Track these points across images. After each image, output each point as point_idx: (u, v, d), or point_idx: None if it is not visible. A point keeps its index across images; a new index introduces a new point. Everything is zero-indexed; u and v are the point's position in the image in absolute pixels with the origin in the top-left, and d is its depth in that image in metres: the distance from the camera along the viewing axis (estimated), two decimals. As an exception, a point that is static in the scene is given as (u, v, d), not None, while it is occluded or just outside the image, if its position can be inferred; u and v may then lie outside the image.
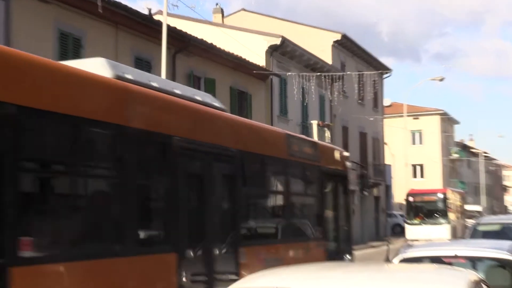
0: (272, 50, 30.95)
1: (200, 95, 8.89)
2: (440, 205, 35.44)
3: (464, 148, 78.67)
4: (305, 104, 33.67)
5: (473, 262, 7.94)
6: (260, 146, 9.74)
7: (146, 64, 21.79)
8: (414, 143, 65.41)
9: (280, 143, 10.43)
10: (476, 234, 12.92)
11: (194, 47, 24.10)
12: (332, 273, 4.70)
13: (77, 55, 18.09)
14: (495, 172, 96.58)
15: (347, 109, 40.11)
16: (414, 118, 63.53)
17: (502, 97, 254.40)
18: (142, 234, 6.98)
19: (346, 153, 13.27)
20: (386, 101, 60.27)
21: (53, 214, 5.89)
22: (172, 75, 22.82)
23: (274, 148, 10.19)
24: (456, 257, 7.30)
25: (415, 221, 34.88)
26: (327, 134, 34.56)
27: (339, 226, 12.41)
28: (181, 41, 23.06)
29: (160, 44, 18.41)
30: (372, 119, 43.53)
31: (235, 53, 27.07)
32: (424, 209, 35.37)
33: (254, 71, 28.21)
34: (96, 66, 6.98)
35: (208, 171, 8.22)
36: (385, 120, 49.50)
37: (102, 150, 6.68)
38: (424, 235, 32.83)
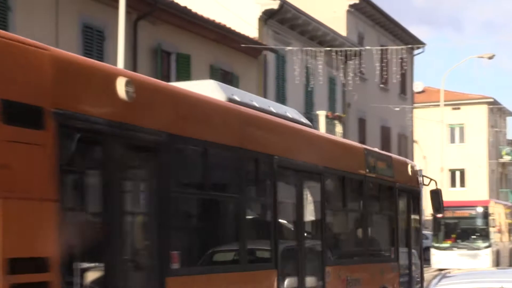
0: (267, 17, 30.90)
1: (290, 112, 11.96)
2: (480, 222, 35.20)
3: (519, 148, 78.95)
4: (309, 89, 33.64)
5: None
6: (341, 163, 12.65)
7: (98, 34, 21.66)
8: (453, 141, 65.58)
9: (358, 159, 13.34)
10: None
11: (162, 12, 23.97)
12: None
13: (4, 23, 17.98)
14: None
15: (365, 96, 40.12)
16: (454, 109, 63.67)
17: None
18: (253, 253, 10.10)
19: (418, 168, 16.31)
20: (418, 86, 60.45)
21: (194, 231, 9.23)
22: (132, 49, 22.71)
23: (354, 165, 13.10)
24: (502, 289, 7.24)
25: (444, 244, 34.86)
26: (339, 128, 34.57)
27: (410, 248, 15.36)
28: (144, 4, 22.90)
29: (116, 8, 18.28)
30: (398, 109, 43.56)
31: (218, 20, 26.99)
32: (457, 228, 35.28)
33: (243, 45, 28.13)
34: (208, 88, 9.77)
35: (300, 191, 11.12)
36: (415, 111, 49.59)
37: (229, 172, 9.75)
38: (456, 263, 32.59)
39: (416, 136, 50.80)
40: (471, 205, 36.36)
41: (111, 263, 7.17)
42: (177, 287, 8.04)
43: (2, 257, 5.84)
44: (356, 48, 35.26)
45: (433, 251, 35.11)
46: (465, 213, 35.50)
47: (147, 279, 7.82)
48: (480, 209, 35.14)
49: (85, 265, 7.05)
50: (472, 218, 35.26)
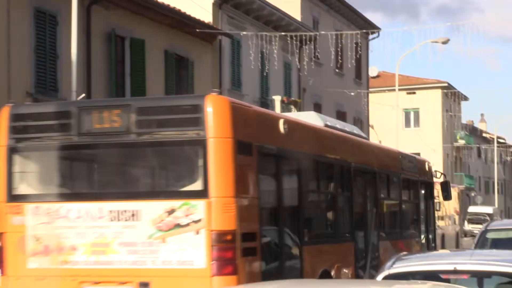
0: (222, 2, 30.88)
1: (355, 129, 17.38)
2: None
3: (473, 132, 79.91)
4: (265, 74, 33.71)
5: (478, 278, 8.06)
6: (387, 165, 17.40)
7: (50, 19, 21.52)
8: (408, 125, 66.20)
9: (397, 161, 18.20)
10: (484, 243, 13.10)
11: (116, -3, 23.89)
12: None
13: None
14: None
15: (320, 81, 40.31)
16: (409, 93, 64.24)
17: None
18: (340, 230, 14.50)
19: (431, 164, 21.28)
20: (373, 71, 60.81)
21: (320, 217, 14.12)
22: (86, 34, 22.61)
23: (394, 165, 17.85)
24: (456, 271, 7.39)
25: None
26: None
27: (428, 226, 20.32)
28: (98, -11, 22.86)
29: (69, -8, 18.16)
30: (353, 94, 43.79)
31: (172, 5, 26.93)
32: None
33: (198, 30, 28.10)
34: (312, 117, 14.74)
35: (364, 186, 15.84)
36: (370, 96, 49.93)
37: (340, 178, 14.62)
38: None
39: (371, 121, 51.13)
40: None
41: (281, 236, 11.79)
42: (306, 252, 12.36)
43: (239, 232, 10.22)
44: (311, 33, 35.36)
45: None
46: None
47: (293, 247, 12.30)
48: None
49: (270, 237, 11.60)
50: None
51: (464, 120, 76.76)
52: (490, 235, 13.43)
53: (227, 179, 10.31)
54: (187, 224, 10.30)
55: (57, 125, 11.00)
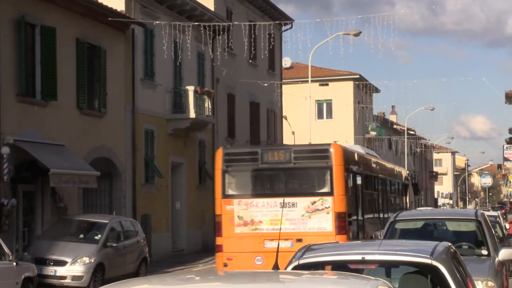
0: (135, -9, 30.63)
1: (374, 153, 31.33)
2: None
3: (385, 124, 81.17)
4: (178, 64, 33.63)
5: (386, 268, 8.25)
6: (390, 174, 29.43)
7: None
8: (321, 116, 66.84)
9: (393, 172, 30.84)
10: (393, 233, 13.39)
11: (27, -16, 23.53)
12: (202, 286, 4.84)
13: None
14: (423, 155, 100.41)
15: (234, 71, 40.41)
16: (322, 85, 64.83)
17: (433, 59, 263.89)
18: (376, 213, 26.11)
19: (408, 172, 37.52)
20: (286, 62, 61.17)
21: (371, 205, 25.51)
22: (-5, 21, 22.17)
23: (392, 175, 30.12)
24: (364, 261, 7.55)
25: None
26: (208, 103, 34.73)
27: (406, 206, 32.24)
28: (7, -25, 22.45)
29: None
30: (266, 84, 44.05)
31: (84, -7, 26.65)
32: None
33: (110, 19, 27.88)
34: (358, 147, 27.38)
35: (383, 187, 27.93)
36: (284, 87, 50.23)
37: (376, 183, 26.40)
38: None
39: (285, 112, 51.48)
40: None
41: (358, 214, 22.55)
42: (366, 223, 23.36)
43: (347, 213, 20.45)
44: (225, 23, 35.42)
45: None
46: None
47: (362, 220, 22.94)
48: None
49: (355, 215, 22.09)
50: None
51: (375, 112, 77.92)
52: (399, 226, 13.69)
53: (341, 186, 20.49)
54: (322, 209, 20.28)
55: (250, 158, 21.20)
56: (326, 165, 20.46)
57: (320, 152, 21.08)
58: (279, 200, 20.07)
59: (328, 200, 20.11)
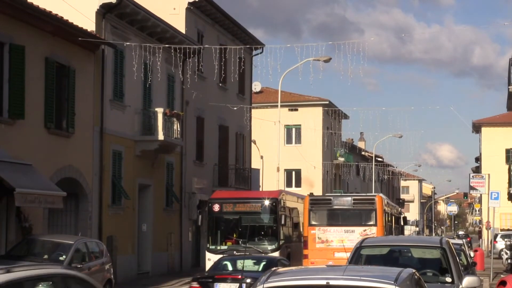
0: (106, 11, 30.60)
1: (385, 197, 39.45)
2: (266, 219, 31.61)
3: (353, 150, 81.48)
4: (148, 86, 33.57)
5: (351, 293, 8.24)
6: (394, 210, 40.96)
7: None
8: (290, 142, 66.98)
9: (394, 208, 42.24)
10: (358, 259, 13.37)
11: (-3, 1, 23.37)
12: None
13: None
14: (390, 182, 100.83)
15: (204, 94, 40.42)
16: (291, 110, 65.06)
17: (401, 87, 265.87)
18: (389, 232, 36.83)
19: (401, 209, 53.10)
20: (256, 86, 61.35)
21: (392, 231, 38.64)
22: (-37, 38, 21.97)
23: (394, 210, 41.28)
24: (328, 286, 7.52)
25: (222, 247, 30.75)
26: (176, 126, 34.65)
27: (402, 229, 44.58)
28: (-22, -8, 22.31)
29: None
30: (236, 108, 44.10)
31: (54, 12, 26.53)
32: (238, 226, 31.30)
33: (80, 38, 27.77)
34: (383, 196, 36.47)
35: (391, 219, 38.99)
36: (253, 111, 50.34)
37: (390, 218, 38.81)
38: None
39: (254, 136, 51.52)
40: (256, 197, 32.83)
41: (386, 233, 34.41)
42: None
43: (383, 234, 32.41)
44: (196, 46, 35.43)
45: (208, 255, 30.48)
46: (249, 207, 31.67)
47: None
48: (266, 202, 31.35)
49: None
50: (257, 213, 31.54)
51: (344, 138, 78.23)
52: (365, 252, 13.68)
53: (381, 220, 32.24)
54: (370, 234, 30.55)
55: (325, 202, 33.25)
56: (372, 208, 32.51)
57: (369, 199, 33.60)
58: (343, 228, 32.00)
59: (374, 229, 31.82)
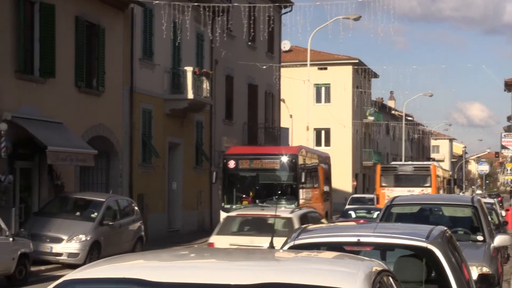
0: (135, -30, 30.51)
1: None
2: (285, 176, 29.15)
3: (383, 109, 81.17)
4: (177, 45, 33.57)
5: (381, 250, 8.26)
6: (445, 175, 55.91)
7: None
8: (319, 100, 66.80)
9: (446, 173, 56.03)
10: (388, 217, 13.40)
11: (27, -40, 23.44)
12: (198, 262, 4.85)
13: None
14: (420, 141, 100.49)
15: (233, 53, 40.34)
16: (320, 69, 64.76)
17: (431, 45, 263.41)
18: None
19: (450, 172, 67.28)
20: (285, 45, 61.06)
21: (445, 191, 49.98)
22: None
23: (446, 175, 54.06)
24: (359, 243, 7.56)
25: (238, 206, 27.51)
26: (206, 85, 34.68)
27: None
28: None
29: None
30: (265, 67, 43.98)
31: (84, -30, 26.56)
32: (255, 183, 29.06)
33: (110, -3, 27.80)
34: (435, 164, 48.91)
35: (449, 182, 54.82)
36: (282, 70, 50.18)
37: (448, 180, 55.01)
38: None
39: (283, 95, 51.44)
40: (274, 153, 30.02)
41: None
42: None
43: None
44: (224, 5, 35.30)
45: (223, 215, 26.09)
46: (266, 163, 29.19)
47: None
48: (285, 158, 29.05)
49: None
50: (275, 170, 29.15)
51: (374, 97, 77.89)
52: (395, 210, 13.70)
53: (434, 184, 43.42)
54: (427, 193, 39.30)
55: (392, 169, 45.22)
56: (428, 173, 43.09)
57: (425, 167, 44.84)
58: (406, 189, 38.95)
59: (429, 189, 40.58)
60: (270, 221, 18.42)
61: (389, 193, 38.96)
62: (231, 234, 18.92)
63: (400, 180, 42.86)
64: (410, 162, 55.19)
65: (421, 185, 41.73)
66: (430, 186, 41.78)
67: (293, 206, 26.55)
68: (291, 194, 28.73)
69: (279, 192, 28.57)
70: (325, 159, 36.91)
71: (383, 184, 43.20)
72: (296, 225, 19.57)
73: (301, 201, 28.86)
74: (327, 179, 36.75)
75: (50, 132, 24.22)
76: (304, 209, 21.34)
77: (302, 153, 30.38)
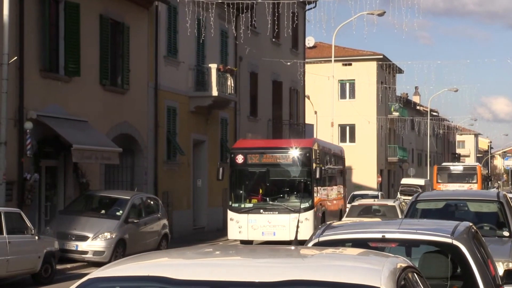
0: (159, -33, 30.60)
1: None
2: (298, 172, 26.88)
3: (407, 104, 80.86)
4: (201, 42, 33.62)
5: (406, 246, 8.24)
6: (486, 174, 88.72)
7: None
8: (343, 96, 66.67)
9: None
10: (414, 213, 13.35)
11: (51, -41, 23.56)
12: (222, 259, 4.88)
13: None
14: (445, 136, 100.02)
15: (257, 50, 40.35)
16: (345, 65, 64.63)
17: (454, 40, 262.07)
18: None
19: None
20: (309, 41, 61.03)
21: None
22: (19, -4, 22.24)
23: (486, 174, 71.70)
24: (384, 240, 7.54)
25: (247, 205, 26.68)
26: (230, 82, 34.72)
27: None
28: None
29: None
30: (289, 63, 43.97)
31: (108, -31, 26.66)
32: (265, 180, 27.28)
33: (133, -5, 27.88)
34: (480, 165, 63.26)
35: (489, 179, 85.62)
36: (307, 66, 50.14)
37: (488, 179, 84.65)
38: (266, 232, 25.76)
39: (307, 91, 51.40)
40: (286, 146, 27.31)
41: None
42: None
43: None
44: (248, 1, 35.30)
45: (230, 214, 26.78)
46: (277, 158, 26.74)
47: None
48: (298, 152, 26.63)
49: None
50: (287, 165, 26.88)
51: (398, 93, 77.60)
52: (420, 206, 13.65)
53: (480, 180, 54.80)
54: (474, 188, 50.54)
55: (446, 168, 56.42)
56: (474, 172, 53.07)
57: (472, 167, 55.62)
58: (457, 184, 48.93)
59: (475, 185, 49.04)
60: (376, 207, 28.67)
61: (444, 188, 48.58)
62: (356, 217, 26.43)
63: (452, 178, 52.92)
64: (460, 163, 68.15)
65: (469, 182, 51.74)
66: (476, 183, 51.91)
67: (306, 204, 25.96)
68: (304, 192, 26.41)
69: (293, 189, 26.95)
70: (340, 153, 35.08)
71: (439, 181, 53.04)
72: (398, 212, 27.28)
73: (315, 199, 27.03)
74: (341, 175, 34.95)
75: (75, 130, 24.35)
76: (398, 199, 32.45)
77: (316, 146, 27.96)
